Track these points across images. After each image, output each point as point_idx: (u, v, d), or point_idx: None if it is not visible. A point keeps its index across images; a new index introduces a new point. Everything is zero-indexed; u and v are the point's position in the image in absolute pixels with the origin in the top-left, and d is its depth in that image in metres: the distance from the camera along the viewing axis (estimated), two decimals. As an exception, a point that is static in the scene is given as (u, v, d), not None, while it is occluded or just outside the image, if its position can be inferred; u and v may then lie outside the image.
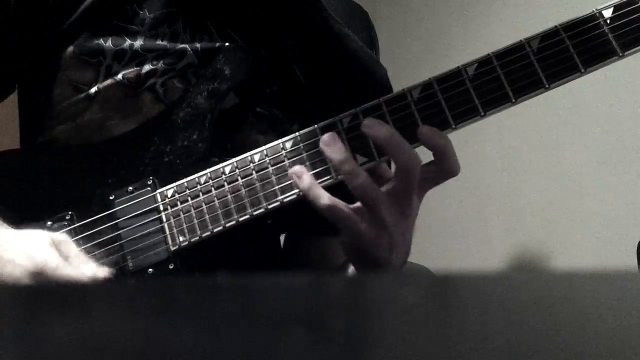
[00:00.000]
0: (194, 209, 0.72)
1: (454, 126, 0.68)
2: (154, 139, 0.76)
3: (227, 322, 0.25)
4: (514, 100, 0.67)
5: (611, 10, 0.66)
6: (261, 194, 0.71)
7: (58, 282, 0.59)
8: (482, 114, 0.67)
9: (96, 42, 0.78)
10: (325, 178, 0.69)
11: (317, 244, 0.89)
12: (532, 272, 0.93)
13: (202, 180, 0.73)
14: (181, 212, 0.73)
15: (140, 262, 0.73)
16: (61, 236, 0.70)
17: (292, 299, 0.30)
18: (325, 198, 0.66)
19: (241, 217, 0.71)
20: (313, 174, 0.69)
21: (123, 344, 0.23)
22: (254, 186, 0.71)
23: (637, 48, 0.66)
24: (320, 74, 0.81)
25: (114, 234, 0.73)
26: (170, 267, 0.73)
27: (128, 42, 0.78)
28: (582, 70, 0.66)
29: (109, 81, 0.78)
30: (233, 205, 0.71)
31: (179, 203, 0.73)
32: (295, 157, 0.70)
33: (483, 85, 0.68)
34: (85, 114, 0.79)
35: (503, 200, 2.24)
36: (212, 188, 0.72)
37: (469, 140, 1.76)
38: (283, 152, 0.71)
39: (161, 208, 0.73)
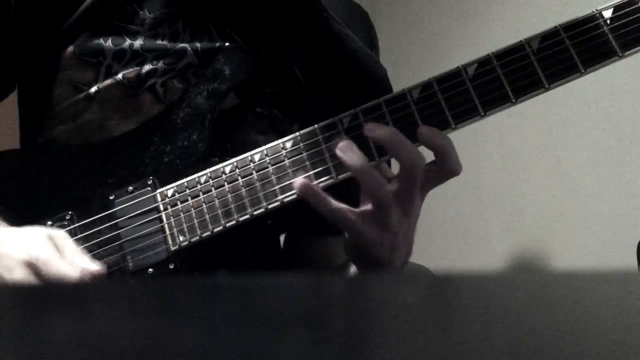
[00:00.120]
0: (194, 209, 0.72)
1: (454, 126, 0.68)
2: (154, 139, 0.76)
3: (227, 322, 0.25)
4: (514, 100, 0.67)
5: (611, 10, 0.66)
6: (261, 193, 0.71)
7: (58, 282, 0.59)
8: (482, 114, 0.68)
9: (96, 42, 0.78)
10: (325, 178, 0.69)
11: (317, 244, 0.89)
12: (532, 272, 0.93)
13: (202, 180, 0.73)
14: (181, 212, 0.73)
15: (140, 262, 0.73)
16: (58, 231, 0.70)
17: (292, 299, 0.30)
18: (329, 203, 0.66)
19: (241, 217, 0.71)
20: (313, 173, 0.69)
21: (123, 344, 0.23)
22: (254, 186, 0.71)
23: (637, 48, 0.66)
24: (320, 74, 0.81)
25: (114, 234, 0.74)
26: (170, 267, 0.73)
27: (128, 42, 0.78)
28: (582, 71, 0.66)
29: (109, 81, 0.78)
30: (233, 205, 0.71)
31: (179, 203, 0.73)
32: (295, 157, 0.70)
33: (483, 85, 0.68)
34: (85, 114, 0.79)
35: (503, 200, 2.24)
36: (212, 188, 0.72)
37: (469, 140, 1.76)
38: (283, 152, 0.71)
39: (161, 208, 0.73)
